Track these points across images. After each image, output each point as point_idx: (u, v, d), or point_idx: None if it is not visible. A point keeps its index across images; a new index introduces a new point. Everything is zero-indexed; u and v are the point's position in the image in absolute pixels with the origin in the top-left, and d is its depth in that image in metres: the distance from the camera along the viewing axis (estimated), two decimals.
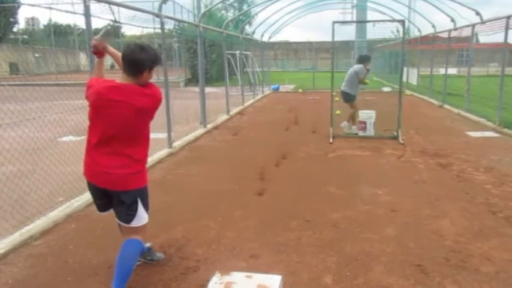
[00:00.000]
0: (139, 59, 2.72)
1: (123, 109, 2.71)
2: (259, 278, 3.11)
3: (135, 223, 2.92)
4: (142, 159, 2.94)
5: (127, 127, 2.78)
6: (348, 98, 8.60)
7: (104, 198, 2.98)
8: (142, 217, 2.96)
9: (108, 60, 3.44)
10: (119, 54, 2.98)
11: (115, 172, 2.80)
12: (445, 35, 13.98)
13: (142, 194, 2.96)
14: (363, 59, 8.69)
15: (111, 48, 3.15)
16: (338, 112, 8.78)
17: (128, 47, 2.78)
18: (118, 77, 2.85)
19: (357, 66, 8.48)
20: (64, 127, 7.80)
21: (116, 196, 2.90)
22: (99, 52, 3.11)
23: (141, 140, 2.92)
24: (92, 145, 2.83)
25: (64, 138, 7.87)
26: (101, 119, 2.76)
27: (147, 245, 3.41)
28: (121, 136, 2.79)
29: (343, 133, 8.67)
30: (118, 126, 2.76)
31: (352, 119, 8.84)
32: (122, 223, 3.00)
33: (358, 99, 8.83)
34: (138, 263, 3.34)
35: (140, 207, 2.93)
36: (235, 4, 30.11)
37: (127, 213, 2.92)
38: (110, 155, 2.80)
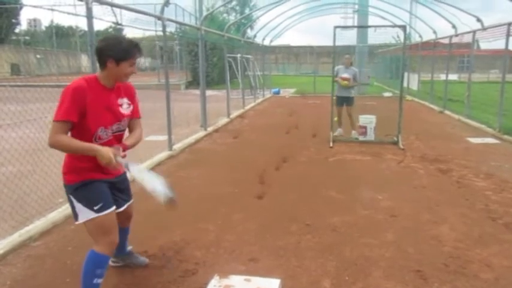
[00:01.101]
0: (97, 49, 2.58)
1: None
2: (258, 281, 3.10)
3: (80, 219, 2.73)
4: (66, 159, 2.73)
5: None
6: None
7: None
8: (79, 213, 2.72)
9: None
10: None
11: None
12: (446, 41, 14.02)
13: (69, 191, 2.72)
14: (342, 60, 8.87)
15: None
16: (336, 119, 8.80)
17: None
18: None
19: None
20: None
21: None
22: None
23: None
24: None
25: None
26: None
27: (129, 248, 3.36)
28: None
29: (343, 138, 8.68)
30: None
31: (350, 124, 8.88)
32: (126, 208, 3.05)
33: (358, 104, 8.85)
34: (119, 264, 3.32)
35: (75, 203, 2.70)
36: (237, 8, 30.18)
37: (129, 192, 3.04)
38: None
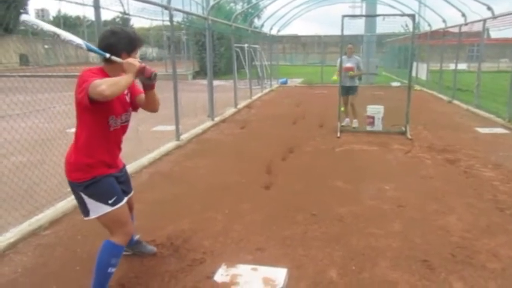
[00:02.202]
0: (109, 44, 2.60)
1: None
2: (264, 270, 3.13)
3: (91, 215, 2.76)
4: (75, 153, 2.74)
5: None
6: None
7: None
8: (91, 209, 2.74)
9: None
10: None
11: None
12: (456, 29, 13.84)
13: (78, 188, 2.71)
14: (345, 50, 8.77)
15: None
16: (343, 109, 8.76)
17: (101, 34, 2.70)
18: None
19: None
20: (73, 118, 7.82)
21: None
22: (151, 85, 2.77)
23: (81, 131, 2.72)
24: None
25: (73, 130, 7.89)
26: None
27: (136, 237, 3.39)
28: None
29: (350, 128, 8.66)
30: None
31: (351, 112, 8.84)
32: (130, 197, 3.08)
33: (367, 94, 8.80)
34: (128, 253, 3.34)
35: (86, 199, 2.71)
36: None
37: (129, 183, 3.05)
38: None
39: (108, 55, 2.57)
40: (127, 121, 2.85)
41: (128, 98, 2.82)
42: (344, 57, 8.55)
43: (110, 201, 2.71)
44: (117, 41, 2.61)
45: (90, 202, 2.70)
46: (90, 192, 2.68)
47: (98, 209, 2.71)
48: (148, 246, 3.47)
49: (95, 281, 2.75)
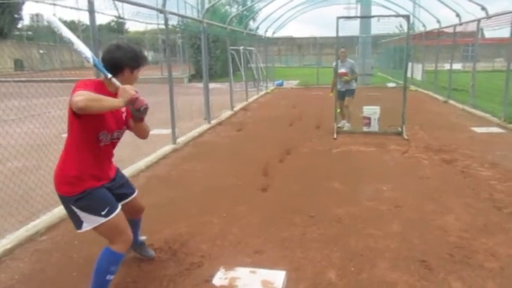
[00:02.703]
0: (114, 58, 2.60)
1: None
2: (263, 273, 3.12)
3: (84, 228, 2.70)
4: (63, 166, 2.64)
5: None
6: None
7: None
8: (84, 221, 2.69)
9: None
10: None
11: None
12: (450, 30, 13.90)
13: (69, 202, 2.66)
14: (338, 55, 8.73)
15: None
16: (339, 110, 8.77)
17: (106, 48, 2.67)
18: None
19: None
20: None
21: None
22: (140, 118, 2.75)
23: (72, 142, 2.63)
24: None
25: None
26: None
27: (142, 238, 3.38)
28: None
29: (347, 129, 8.67)
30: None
31: (345, 115, 8.84)
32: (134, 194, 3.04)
33: (363, 94, 8.81)
34: (130, 255, 3.32)
35: (78, 212, 2.66)
36: None
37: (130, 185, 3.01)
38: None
39: (110, 76, 2.56)
40: (118, 138, 2.80)
41: (123, 116, 2.78)
42: (338, 61, 8.52)
43: (103, 213, 2.64)
44: (122, 56, 2.61)
45: (82, 215, 2.64)
46: (82, 205, 2.62)
47: (92, 221, 2.65)
48: (149, 251, 3.46)
49: (92, 287, 2.72)
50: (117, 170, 3.01)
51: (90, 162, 2.63)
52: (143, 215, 3.27)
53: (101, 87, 2.56)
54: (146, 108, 2.59)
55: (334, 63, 8.54)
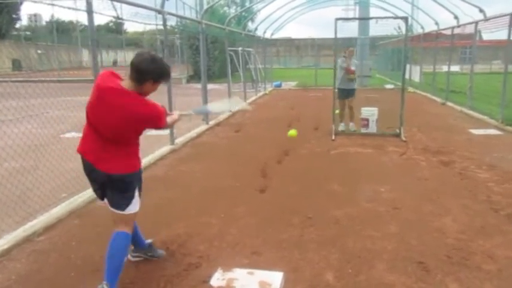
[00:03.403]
0: (145, 68, 2.71)
1: (113, 113, 2.69)
2: (261, 274, 3.13)
3: (130, 209, 2.92)
4: (131, 152, 2.94)
5: (111, 129, 2.77)
6: (338, 93, 8.64)
7: (98, 181, 2.94)
8: (136, 203, 2.97)
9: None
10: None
11: (114, 161, 2.83)
12: (448, 32, 13.94)
13: (138, 179, 2.98)
14: (343, 50, 8.73)
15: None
16: (337, 111, 8.77)
17: (140, 54, 2.78)
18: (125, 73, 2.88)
19: (339, 60, 8.58)
20: (67, 123, 7.81)
21: (115, 180, 2.88)
22: None
23: (125, 142, 2.88)
24: (87, 130, 2.86)
25: (67, 135, 7.88)
26: (94, 115, 2.78)
27: (149, 241, 3.42)
28: (105, 135, 2.79)
29: (347, 130, 8.68)
30: (103, 125, 2.77)
31: (348, 116, 8.83)
32: (115, 211, 2.96)
33: (361, 96, 8.82)
34: (139, 259, 3.36)
35: (137, 193, 2.97)
36: (238, 0, 30.04)
37: (124, 198, 2.92)
38: (100, 145, 2.84)
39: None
40: None
41: None
42: (343, 59, 8.52)
43: (140, 198, 3.03)
44: (152, 70, 2.74)
45: (136, 196, 2.95)
46: (139, 184, 2.99)
47: (138, 204, 2.98)
48: (158, 250, 3.49)
49: (112, 273, 2.80)
50: None
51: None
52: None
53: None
54: None
55: (340, 60, 8.51)
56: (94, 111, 2.77)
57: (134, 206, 2.95)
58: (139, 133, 2.92)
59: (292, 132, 7.10)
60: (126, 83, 2.75)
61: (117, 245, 2.87)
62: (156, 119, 2.83)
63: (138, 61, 2.73)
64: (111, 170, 2.81)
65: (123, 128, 2.76)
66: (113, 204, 2.93)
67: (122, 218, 2.94)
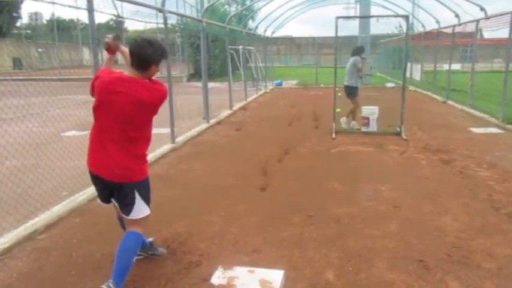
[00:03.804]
0: (147, 54, 2.76)
1: (127, 101, 2.73)
2: (261, 272, 3.13)
3: (134, 215, 2.94)
4: (142, 155, 2.96)
5: (129, 120, 2.78)
6: (349, 91, 8.65)
7: (105, 189, 2.99)
8: (141, 209, 2.96)
9: (116, 55, 3.44)
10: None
11: (115, 164, 2.83)
12: (449, 30, 13.92)
13: (139, 187, 2.95)
14: (358, 51, 8.76)
15: (122, 47, 3.23)
16: (338, 110, 8.77)
17: (136, 42, 2.81)
18: (126, 69, 2.91)
19: (353, 58, 8.60)
20: (67, 122, 7.81)
21: (116, 188, 2.92)
22: (110, 49, 3.20)
23: (142, 135, 2.92)
24: (95, 137, 2.85)
25: (67, 133, 7.89)
26: (105, 110, 2.78)
27: (149, 239, 3.43)
28: (122, 129, 2.79)
29: (344, 129, 8.67)
30: (120, 118, 2.77)
31: (352, 114, 8.84)
32: (123, 215, 3.02)
33: (361, 95, 8.82)
34: (140, 258, 3.36)
35: (138, 200, 2.94)
36: None
37: (126, 205, 2.95)
38: (111, 148, 2.82)
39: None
40: None
41: None
42: (359, 59, 8.53)
43: (150, 205, 3.06)
44: (153, 53, 2.78)
45: (140, 203, 2.96)
46: (146, 189, 3.03)
47: (144, 210, 2.99)
48: (159, 248, 3.50)
49: (120, 271, 2.80)
50: None
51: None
52: None
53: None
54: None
55: (357, 60, 8.51)
56: (106, 108, 2.77)
57: (138, 212, 2.96)
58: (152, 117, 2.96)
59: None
60: (129, 73, 2.81)
61: (127, 245, 2.88)
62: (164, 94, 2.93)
63: (138, 50, 2.76)
64: (122, 178, 2.91)
65: (136, 116, 2.80)
66: (121, 209, 3.02)
67: (132, 222, 2.99)
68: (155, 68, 2.85)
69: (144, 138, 2.96)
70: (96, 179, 2.95)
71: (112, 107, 2.75)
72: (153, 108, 2.87)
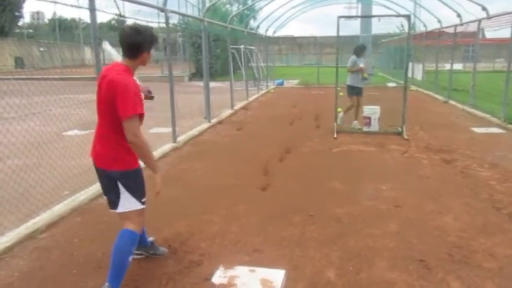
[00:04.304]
0: (137, 42, 2.72)
1: (104, 85, 2.69)
2: (262, 272, 3.13)
3: (121, 209, 2.87)
4: (123, 144, 2.75)
5: (104, 104, 2.71)
6: (347, 90, 8.69)
7: (101, 178, 2.94)
8: (129, 202, 2.85)
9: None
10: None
11: (102, 153, 2.82)
12: (451, 30, 13.89)
13: (124, 177, 2.82)
14: (355, 50, 8.73)
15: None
16: (340, 109, 8.78)
17: (124, 31, 2.76)
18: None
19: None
20: (69, 121, 7.83)
21: (105, 177, 2.88)
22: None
23: (118, 125, 2.70)
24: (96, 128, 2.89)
25: (69, 132, 7.90)
26: (97, 96, 2.81)
27: (150, 239, 3.43)
28: (103, 115, 2.76)
29: (347, 128, 8.67)
30: (100, 103, 2.76)
31: (355, 114, 8.83)
32: (113, 211, 2.95)
33: (363, 95, 8.81)
34: (141, 257, 3.37)
35: (123, 192, 2.83)
36: None
37: (114, 198, 2.88)
38: (98, 134, 2.85)
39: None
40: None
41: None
42: (353, 57, 8.54)
43: (143, 200, 2.91)
44: (143, 40, 2.74)
45: (125, 195, 2.84)
46: (131, 183, 2.84)
47: (131, 204, 2.86)
48: (160, 247, 3.50)
49: (114, 273, 2.77)
50: None
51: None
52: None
53: (129, 73, 2.76)
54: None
55: (354, 57, 8.53)
56: (97, 94, 2.80)
57: (125, 206, 2.86)
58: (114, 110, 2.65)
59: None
60: (123, 62, 2.81)
61: (117, 244, 2.81)
62: (124, 91, 2.60)
63: (127, 39, 2.73)
64: (108, 165, 2.85)
65: (106, 101, 2.68)
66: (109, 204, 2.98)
67: (122, 217, 2.93)
68: (146, 55, 2.81)
69: (120, 129, 2.74)
70: (94, 167, 2.92)
71: (98, 92, 2.78)
72: (112, 92, 2.63)
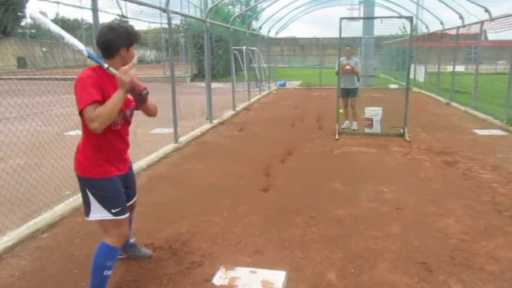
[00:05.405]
0: (109, 40, 2.60)
1: None
2: (263, 273, 3.13)
3: (88, 216, 2.72)
4: (89, 150, 2.65)
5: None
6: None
7: None
8: (94, 210, 2.68)
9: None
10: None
11: (75, 156, 2.74)
12: (453, 32, 13.88)
13: (86, 184, 2.67)
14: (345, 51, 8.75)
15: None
16: (341, 111, 8.77)
17: (98, 32, 2.68)
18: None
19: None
20: (71, 121, 7.81)
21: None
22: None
23: (85, 126, 2.58)
24: None
25: (71, 132, 7.90)
26: None
27: (132, 240, 3.39)
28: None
29: (348, 130, 8.67)
30: None
31: (352, 115, 8.84)
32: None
33: (364, 96, 8.80)
34: (122, 257, 3.32)
35: (88, 198, 2.68)
36: None
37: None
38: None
39: (106, 66, 2.56)
40: (131, 115, 2.84)
41: (130, 96, 2.72)
42: (343, 58, 8.56)
43: (113, 211, 2.68)
44: (116, 37, 2.60)
45: (93, 203, 2.66)
46: (97, 192, 2.65)
47: (99, 213, 2.68)
48: (142, 249, 3.46)
49: (91, 285, 2.73)
50: (130, 167, 3.04)
51: (107, 146, 2.68)
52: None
53: (99, 74, 2.57)
54: (146, 92, 2.63)
55: (342, 59, 8.53)
56: None
57: (89, 214, 2.71)
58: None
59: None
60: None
61: (94, 258, 2.72)
62: (76, 86, 2.49)
63: (99, 38, 2.62)
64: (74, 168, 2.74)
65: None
66: None
67: (99, 225, 2.78)
68: (125, 52, 2.64)
69: (84, 133, 2.65)
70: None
71: None
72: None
